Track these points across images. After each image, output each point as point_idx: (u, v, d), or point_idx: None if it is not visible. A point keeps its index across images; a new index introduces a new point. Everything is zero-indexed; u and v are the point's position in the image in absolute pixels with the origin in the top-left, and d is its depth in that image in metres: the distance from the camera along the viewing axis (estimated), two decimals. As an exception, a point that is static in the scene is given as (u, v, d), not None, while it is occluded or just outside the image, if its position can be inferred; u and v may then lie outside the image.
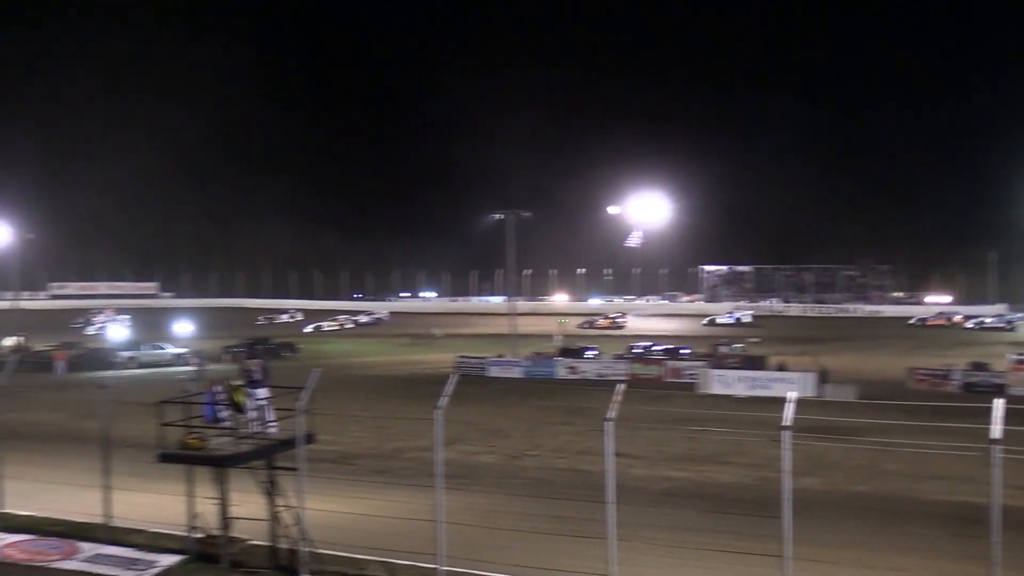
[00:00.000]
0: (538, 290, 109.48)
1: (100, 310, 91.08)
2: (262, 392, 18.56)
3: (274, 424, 18.47)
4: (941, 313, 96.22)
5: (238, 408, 18.46)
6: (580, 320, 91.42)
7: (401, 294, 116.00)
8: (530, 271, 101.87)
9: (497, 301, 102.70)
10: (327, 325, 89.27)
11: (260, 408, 18.48)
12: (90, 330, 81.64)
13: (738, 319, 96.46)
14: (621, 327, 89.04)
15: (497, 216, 63.85)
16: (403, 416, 30.45)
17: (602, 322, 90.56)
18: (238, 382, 18.63)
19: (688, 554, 17.84)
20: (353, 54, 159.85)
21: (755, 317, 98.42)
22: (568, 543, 17.65)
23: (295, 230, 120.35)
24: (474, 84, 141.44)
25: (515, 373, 54.40)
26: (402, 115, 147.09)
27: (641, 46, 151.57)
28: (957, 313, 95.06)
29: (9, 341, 64.06)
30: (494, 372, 54.47)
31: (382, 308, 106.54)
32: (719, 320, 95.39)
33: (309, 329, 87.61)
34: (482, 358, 56.55)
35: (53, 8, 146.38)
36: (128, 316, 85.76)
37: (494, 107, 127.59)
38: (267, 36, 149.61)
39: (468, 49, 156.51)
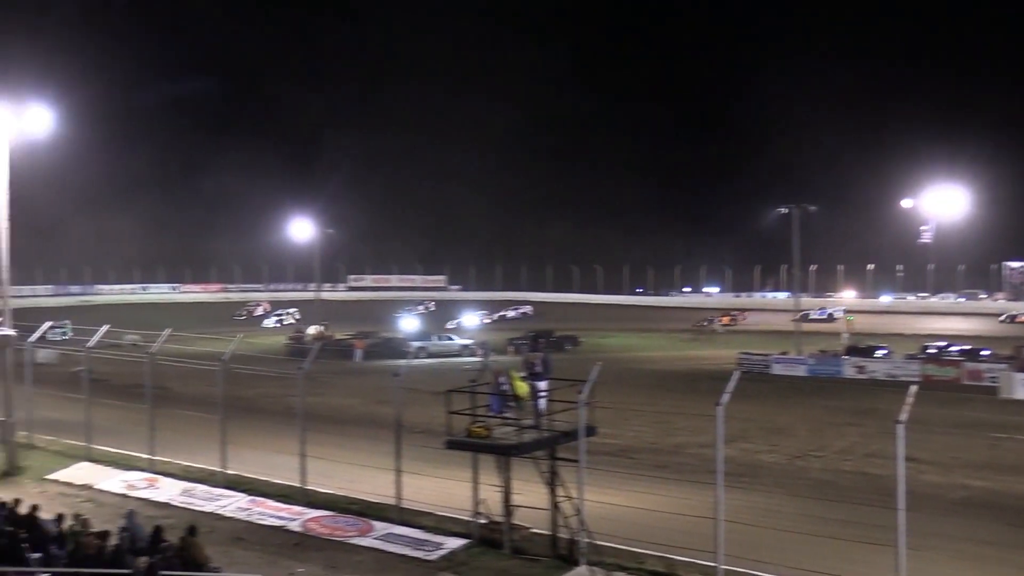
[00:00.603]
0: (824, 286, 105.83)
1: (258, 303, 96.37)
2: (542, 384, 18.92)
3: (550, 417, 18.79)
4: None
5: (519, 399, 18.90)
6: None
7: (683, 289, 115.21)
8: (816, 267, 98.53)
9: (781, 297, 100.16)
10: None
11: (540, 400, 18.86)
12: (268, 321, 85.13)
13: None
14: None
15: (782, 210, 62.26)
16: (684, 411, 30.22)
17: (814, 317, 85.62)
18: (520, 373, 19.08)
19: (988, 569, 16.75)
20: (637, 51, 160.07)
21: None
22: (853, 549, 16.95)
23: (578, 225, 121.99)
24: (763, 78, 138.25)
25: (800, 371, 52.91)
26: (688, 110, 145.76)
27: (937, 34, 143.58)
28: None
29: (312, 330, 68.38)
30: (778, 369, 53.17)
31: (664, 303, 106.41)
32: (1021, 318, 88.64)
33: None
34: (766, 355, 55.33)
35: (364, 6, 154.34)
36: (295, 309, 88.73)
37: (782, 100, 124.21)
38: (562, 28, 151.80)
39: (757, 43, 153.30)
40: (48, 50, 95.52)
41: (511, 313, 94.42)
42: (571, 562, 17.90)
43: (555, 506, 18.25)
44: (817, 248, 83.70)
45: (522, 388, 18.90)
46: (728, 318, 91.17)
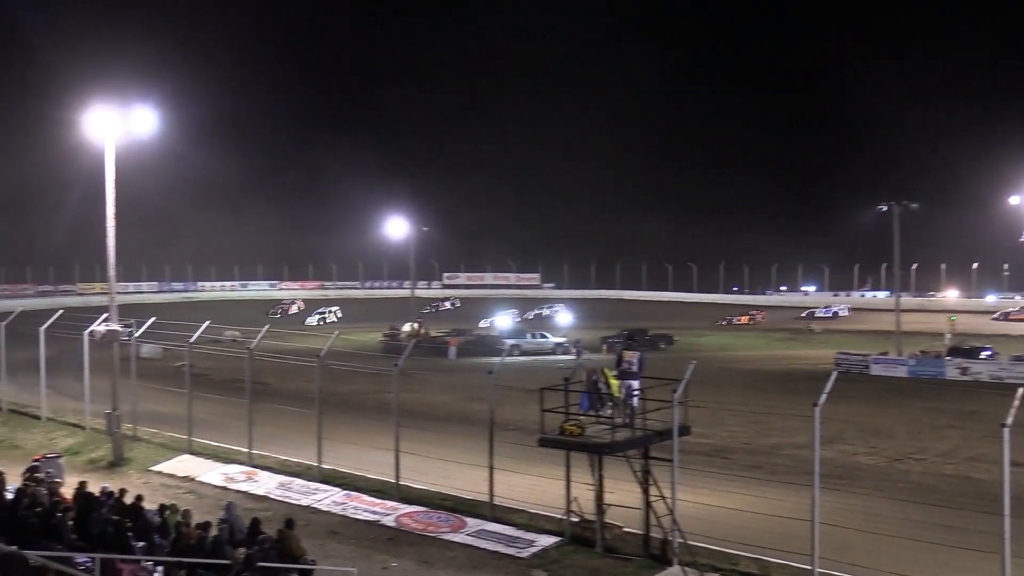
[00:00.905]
0: (926, 286, 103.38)
1: (293, 301, 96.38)
2: (636, 383, 18.83)
3: (644, 415, 18.69)
4: None
5: (612, 398, 18.84)
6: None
7: (780, 288, 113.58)
8: (916, 265, 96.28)
9: (881, 296, 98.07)
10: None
11: (633, 399, 18.77)
12: (310, 319, 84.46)
13: None
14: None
15: (883, 207, 60.89)
16: (779, 412, 29.81)
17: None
18: (613, 372, 19.02)
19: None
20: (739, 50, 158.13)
21: None
22: (954, 554, 16.56)
23: (673, 222, 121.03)
24: (864, 73, 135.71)
25: (900, 372, 51.71)
26: (788, 107, 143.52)
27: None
28: None
29: (408, 327, 69.02)
30: (876, 370, 52.04)
31: (759, 302, 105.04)
32: None
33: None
34: (864, 355, 54.22)
35: (461, 9, 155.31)
36: (337, 307, 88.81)
37: (884, 96, 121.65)
38: (658, 25, 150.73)
39: (857, 39, 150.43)
40: (156, 51, 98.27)
41: (546, 311, 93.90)
42: (663, 562, 17.80)
43: (648, 505, 18.16)
44: (919, 247, 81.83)
45: (616, 386, 18.85)
46: (747, 317, 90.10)
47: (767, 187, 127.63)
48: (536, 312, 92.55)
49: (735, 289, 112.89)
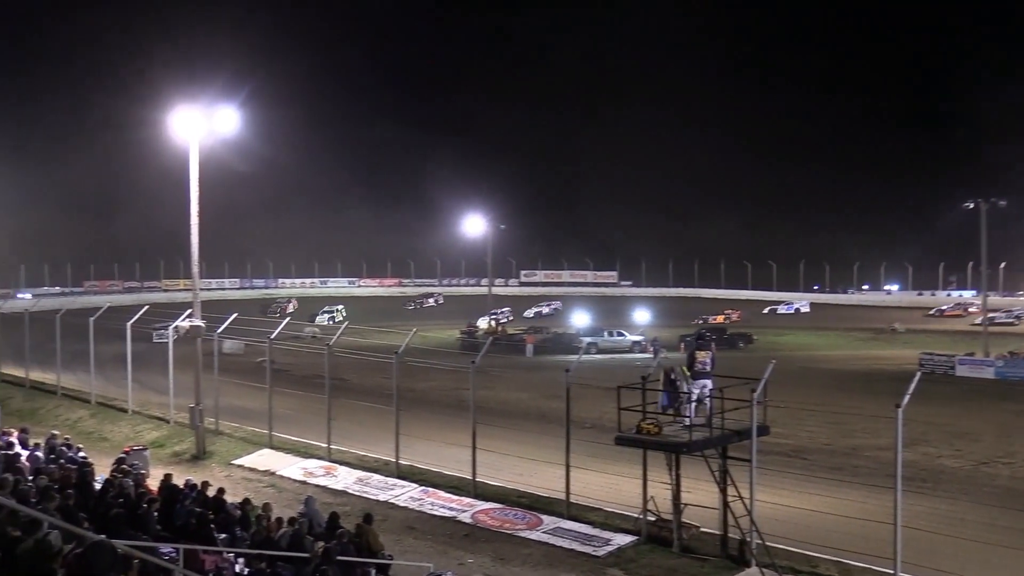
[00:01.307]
0: (1016, 285, 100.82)
1: (289, 299, 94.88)
2: (709, 383, 18.68)
3: (723, 415, 18.52)
4: None
5: (685, 396, 18.72)
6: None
7: (862, 287, 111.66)
8: (1004, 264, 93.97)
9: (967, 296, 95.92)
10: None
11: (707, 398, 18.62)
12: (320, 317, 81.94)
13: None
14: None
15: (969, 205, 59.53)
16: (861, 412, 29.29)
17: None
18: (687, 371, 18.89)
19: None
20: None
21: None
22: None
23: (752, 220, 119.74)
24: (954, 70, 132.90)
25: (986, 373, 50.49)
26: (870, 104, 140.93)
27: None
28: None
29: (485, 324, 69.29)
30: (962, 371, 50.89)
31: (841, 300, 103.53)
32: None
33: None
34: (950, 355, 53.07)
35: (552, 13, 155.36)
36: (342, 306, 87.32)
37: (970, 92, 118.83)
38: (749, 20, 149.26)
39: (943, 36, 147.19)
40: (243, 52, 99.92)
41: (545, 309, 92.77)
42: (741, 563, 17.64)
43: (725, 505, 18.01)
44: (1008, 245, 79.77)
45: (688, 385, 18.73)
46: (721, 317, 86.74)
47: (850, 184, 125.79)
48: (536, 310, 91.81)
49: (815, 288, 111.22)
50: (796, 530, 18.16)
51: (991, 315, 65.28)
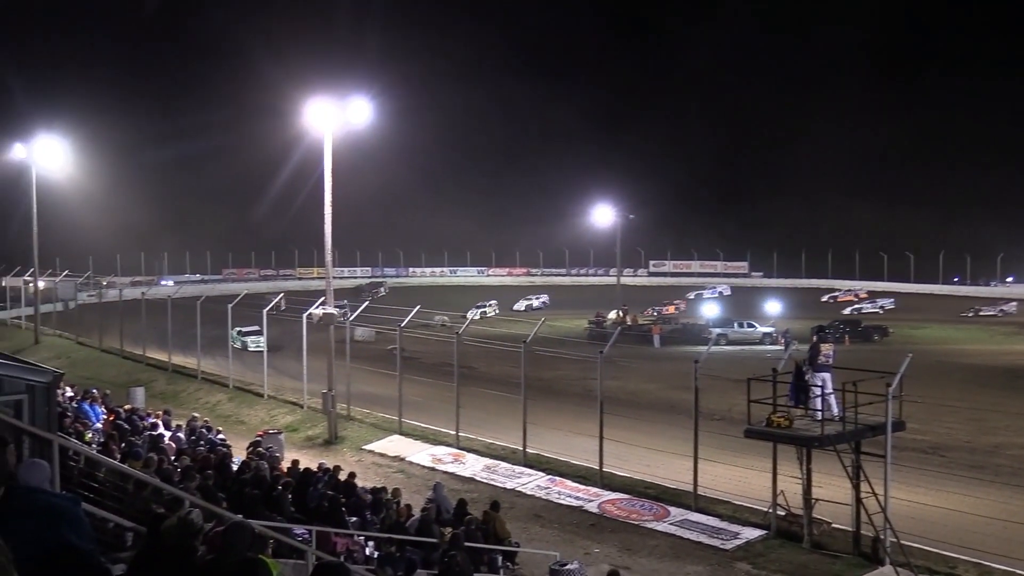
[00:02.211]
0: None
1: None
2: (829, 376, 18.27)
3: (850, 409, 18.07)
4: None
5: (815, 390, 18.34)
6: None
7: (1006, 279, 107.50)
8: None
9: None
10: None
11: (830, 392, 18.22)
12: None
13: None
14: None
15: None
16: (1004, 410, 28.28)
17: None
18: (809, 363, 18.52)
19: None
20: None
21: None
22: None
23: (888, 209, 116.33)
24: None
25: None
26: (1015, 86, 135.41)
27: None
28: None
29: (613, 314, 68.96)
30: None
31: (983, 293, 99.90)
32: None
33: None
34: (1101, 351, 50.81)
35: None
36: (495, 302, 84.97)
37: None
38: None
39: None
40: (376, 44, 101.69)
41: (536, 302, 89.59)
42: (875, 561, 17.21)
43: (858, 502, 17.58)
44: None
45: (810, 378, 18.37)
46: (672, 307, 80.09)
47: (991, 171, 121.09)
48: (526, 302, 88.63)
49: (955, 280, 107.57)
50: (933, 529, 17.62)
51: None
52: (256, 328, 38.87)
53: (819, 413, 17.94)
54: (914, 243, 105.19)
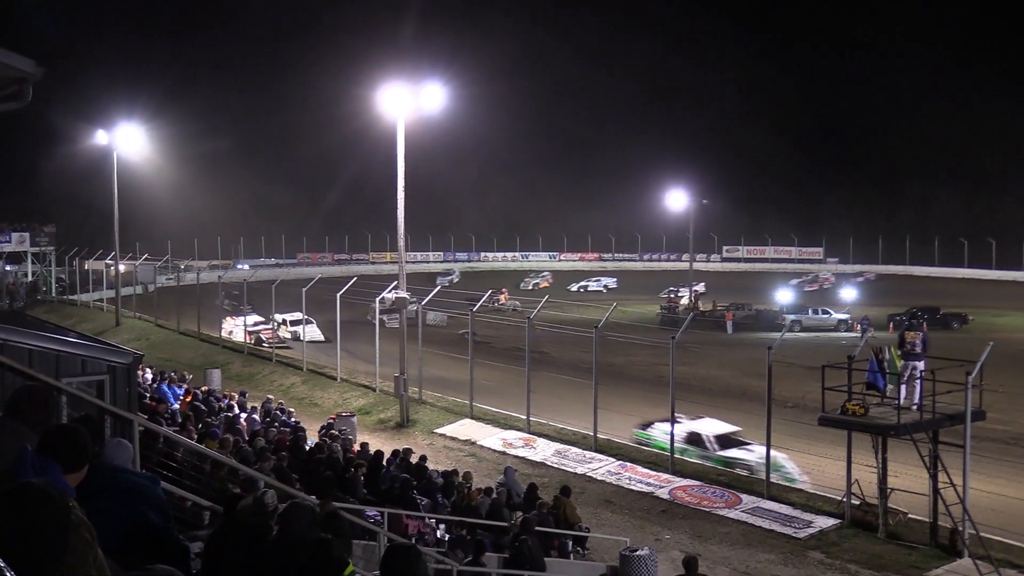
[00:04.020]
0: None
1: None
2: (920, 364, 17.94)
3: (928, 398, 17.75)
4: None
5: (893, 378, 18.04)
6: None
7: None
8: None
9: None
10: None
11: (917, 381, 17.90)
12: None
13: None
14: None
15: None
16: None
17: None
18: (897, 351, 18.21)
19: None
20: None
21: None
22: None
23: (969, 193, 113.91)
24: None
25: None
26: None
27: None
28: None
29: (685, 300, 68.60)
30: None
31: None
32: None
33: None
34: None
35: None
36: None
37: None
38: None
39: None
40: (448, 27, 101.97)
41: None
42: (952, 553, 16.91)
43: (936, 492, 17.28)
44: None
45: (897, 366, 18.05)
46: (504, 295, 73.82)
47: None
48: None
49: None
50: (1014, 521, 17.25)
51: None
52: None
53: (897, 401, 17.65)
54: (997, 229, 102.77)
